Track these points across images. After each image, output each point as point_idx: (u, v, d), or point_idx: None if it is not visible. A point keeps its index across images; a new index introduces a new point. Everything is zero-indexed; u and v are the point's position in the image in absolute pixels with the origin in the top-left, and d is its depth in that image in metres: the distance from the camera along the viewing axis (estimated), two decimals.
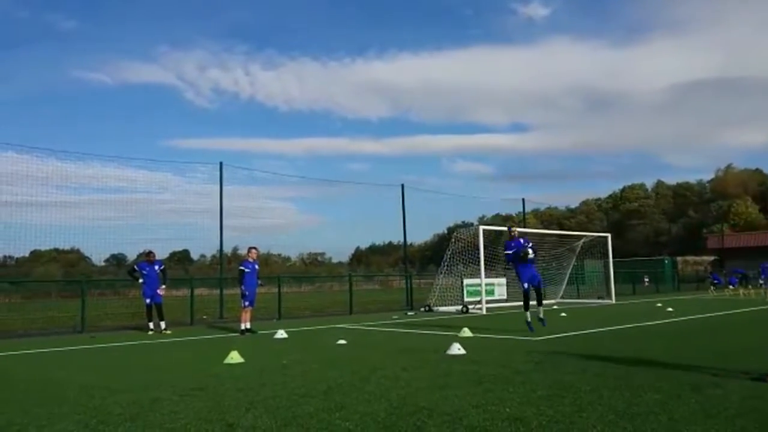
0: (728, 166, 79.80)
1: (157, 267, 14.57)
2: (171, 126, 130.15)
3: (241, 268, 13.72)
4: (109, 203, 18.70)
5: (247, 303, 13.53)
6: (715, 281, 33.31)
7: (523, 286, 11.89)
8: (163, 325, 14.27)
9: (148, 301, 14.28)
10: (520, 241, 12.11)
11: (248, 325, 13.49)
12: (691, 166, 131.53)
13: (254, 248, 14.05)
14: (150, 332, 13.95)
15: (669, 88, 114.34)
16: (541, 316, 11.97)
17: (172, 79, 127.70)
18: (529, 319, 11.72)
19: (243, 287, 13.53)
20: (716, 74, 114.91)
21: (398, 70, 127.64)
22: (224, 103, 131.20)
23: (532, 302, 11.91)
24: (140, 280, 14.29)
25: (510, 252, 12.08)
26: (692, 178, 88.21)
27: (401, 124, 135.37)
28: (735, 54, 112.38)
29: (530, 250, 11.89)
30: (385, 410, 5.16)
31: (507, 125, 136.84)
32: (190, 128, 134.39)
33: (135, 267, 14.81)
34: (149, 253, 14.77)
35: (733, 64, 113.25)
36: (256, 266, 13.89)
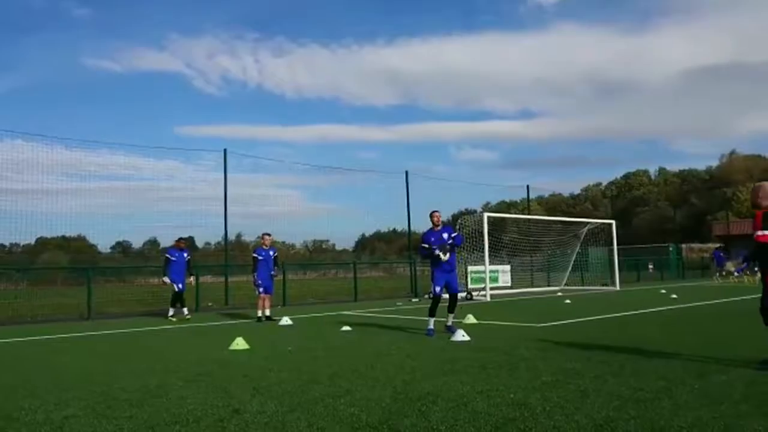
0: (732, 152, 79.36)
1: (186, 254, 14.48)
2: (180, 114, 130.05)
3: (254, 255, 13.65)
4: (115, 191, 18.81)
5: (261, 290, 13.42)
6: (719, 261, 32.84)
7: (435, 290, 9.86)
8: (185, 311, 14.25)
9: (180, 286, 14.10)
10: (443, 235, 9.83)
11: (267, 312, 13.41)
12: (700, 153, 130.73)
13: (268, 235, 13.91)
14: (171, 318, 13.83)
15: (680, 74, 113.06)
16: (449, 323, 10.02)
17: (181, 67, 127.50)
18: (432, 326, 9.82)
19: (255, 274, 13.46)
20: (728, 60, 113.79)
21: (407, 56, 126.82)
22: (233, 90, 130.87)
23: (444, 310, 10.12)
24: (164, 278, 14.21)
25: (426, 247, 9.84)
26: (700, 165, 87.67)
27: (409, 112, 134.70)
28: (747, 39, 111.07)
29: (447, 252, 9.72)
30: (390, 396, 5.19)
31: (515, 112, 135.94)
32: (199, 116, 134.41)
33: (166, 255, 14.51)
34: (180, 240, 14.67)
35: (745, 49, 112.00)
36: (271, 253, 13.70)
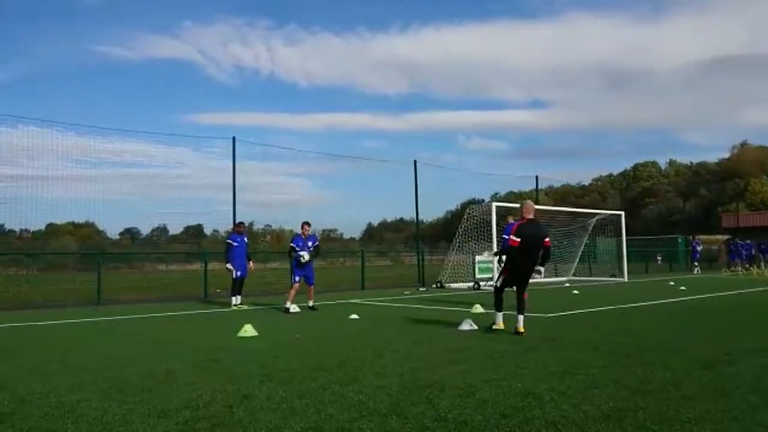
0: (743, 143, 78.50)
1: (246, 239, 14.11)
2: (192, 101, 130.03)
3: (292, 245, 12.97)
4: (125, 177, 18.79)
5: (297, 278, 12.74)
6: (694, 255, 32.46)
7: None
8: (239, 299, 13.75)
9: (239, 273, 13.68)
10: (308, 241, 12.83)
11: (310, 304, 12.80)
12: (711, 144, 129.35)
13: (307, 224, 12.96)
14: (234, 307, 13.44)
15: (692, 65, 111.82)
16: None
17: (194, 55, 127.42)
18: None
19: (294, 264, 12.94)
20: (740, 50, 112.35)
21: (418, 45, 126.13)
22: (245, 78, 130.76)
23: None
24: (228, 265, 13.72)
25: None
26: (710, 157, 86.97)
27: (420, 100, 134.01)
28: (759, 29, 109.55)
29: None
30: (398, 383, 5.22)
31: (525, 102, 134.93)
32: (211, 103, 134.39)
33: (228, 240, 14.01)
34: (239, 224, 14.41)
35: (758, 39, 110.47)
36: (309, 243, 12.86)
